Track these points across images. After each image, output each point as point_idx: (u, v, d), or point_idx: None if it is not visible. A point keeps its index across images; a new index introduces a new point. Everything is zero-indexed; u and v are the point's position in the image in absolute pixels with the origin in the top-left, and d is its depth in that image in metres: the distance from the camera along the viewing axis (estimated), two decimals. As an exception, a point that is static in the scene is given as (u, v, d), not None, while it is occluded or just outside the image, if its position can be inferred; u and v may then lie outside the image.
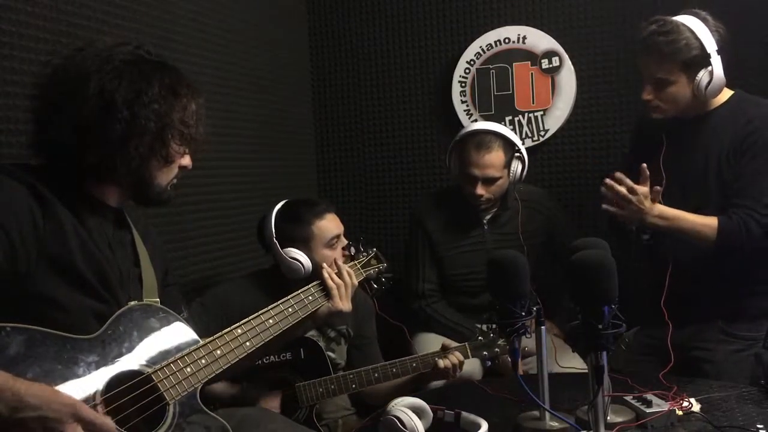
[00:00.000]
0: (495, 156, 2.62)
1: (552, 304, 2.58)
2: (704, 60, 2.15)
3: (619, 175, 2.16)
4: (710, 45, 2.15)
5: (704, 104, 2.25)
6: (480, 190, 2.63)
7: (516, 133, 3.22)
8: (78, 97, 1.42)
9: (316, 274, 2.06)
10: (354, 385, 2.19)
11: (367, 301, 2.42)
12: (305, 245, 2.21)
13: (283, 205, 2.29)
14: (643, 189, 2.14)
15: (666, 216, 2.16)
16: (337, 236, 2.24)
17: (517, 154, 2.68)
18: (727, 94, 2.26)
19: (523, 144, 3.20)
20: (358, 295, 2.31)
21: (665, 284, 2.17)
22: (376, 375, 2.19)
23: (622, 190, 2.14)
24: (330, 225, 2.24)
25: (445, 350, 2.21)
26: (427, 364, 2.21)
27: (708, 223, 2.14)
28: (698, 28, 2.15)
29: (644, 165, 2.15)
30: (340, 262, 2.04)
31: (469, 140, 2.66)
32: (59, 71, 1.47)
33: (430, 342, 2.70)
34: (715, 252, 2.17)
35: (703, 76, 2.16)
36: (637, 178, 2.18)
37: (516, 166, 2.67)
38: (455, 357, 2.19)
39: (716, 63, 2.15)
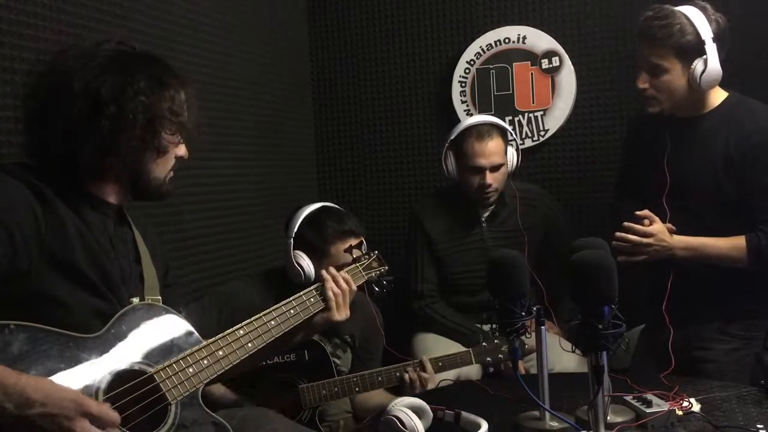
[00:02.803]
0: (496, 143, 2.68)
1: (551, 301, 2.60)
2: (699, 47, 2.12)
3: (627, 224, 2.16)
4: (706, 32, 2.11)
5: (701, 100, 2.23)
6: (489, 179, 2.67)
7: (516, 133, 3.24)
8: (65, 97, 1.42)
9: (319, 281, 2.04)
10: (357, 388, 2.19)
11: (378, 317, 2.39)
12: (317, 258, 2.20)
13: (316, 210, 2.25)
14: (658, 227, 2.14)
15: (692, 246, 2.16)
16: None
17: (509, 142, 2.74)
18: (721, 96, 2.24)
19: (523, 144, 3.25)
20: (366, 306, 2.27)
21: (667, 289, 2.16)
22: (380, 378, 2.20)
23: (636, 238, 2.14)
24: (348, 251, 2.20)
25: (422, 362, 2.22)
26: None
27: (735, 245, 2.14)
28: (694, 15, 2.13)
29: (644, 211, 2.15)
30: (333, 270, 1.93)
31: (468, 134, 2.70)
32: (46, 73, 1.48)
33: (430, 342, 2.70)
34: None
35: (697, 64, 2.12)
36: (638, 183, 2.18)
37: (511, 153, 2.74)
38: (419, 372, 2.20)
39: (711, 51, 2.11)
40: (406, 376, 2.20)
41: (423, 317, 2.79)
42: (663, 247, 2.14)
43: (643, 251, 2.16)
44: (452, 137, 2.74)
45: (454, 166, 2.76)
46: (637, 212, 2.16)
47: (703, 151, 2.21)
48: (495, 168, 2.67)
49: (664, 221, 2.18)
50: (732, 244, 2.15)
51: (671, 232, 2.16)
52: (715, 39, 2.12)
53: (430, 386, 2.23)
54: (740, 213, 2.18)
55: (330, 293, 1.86)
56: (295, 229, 2.21)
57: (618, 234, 2.17)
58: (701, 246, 2.16)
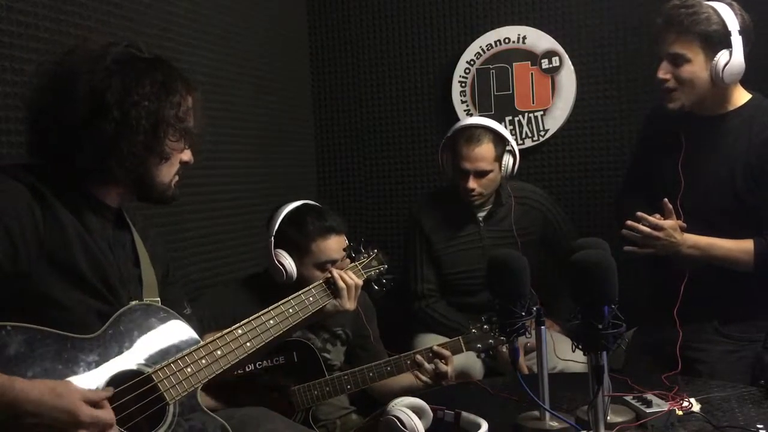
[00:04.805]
0: (485, 149, 2.63)
1: (549, 300, 2.59)
2: (725, 38, 2.08)
3: (640, 214, 2.14)
4: (732, 24, 2.08)
5: (723, 97, 2.18)
6: (472, 183, 2.64)
7: (516, 133, 3.24)
8: (69, 99, 1.42)
9: (302, 283, 2.04)
10: (349, 386, 2.18)
11: (366, 300, 2.42)
12: (298, 256, 2.19)
13: (296, 207, 2.25)
14: (670, 222, 2.12)
15: (699, 246, 2.14)
16: (333, 261, 2.19)
17: (508, 148, 2.70)
18: (745, 97, 2.20)
19: (523, 144, 3.24)
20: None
21: (680, 293, 2.14)
22: (371, 374, 2.19)
23: (647, 229, 2.12)
24: (330, 247, 2.20)
25: (433, 351, 2.21)
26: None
27: (743, 248, 2.12)
28: (722, 8, 2.10)
29: (666, 200, 2.13)
30: (340, 271, 1.99)
31: (460, 135, 2.68)
32: (51, 74, 1.47)
33: (430, 342, 2.70)
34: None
35: (721, 56, 2.08)
36: (648, 179, 2.15)
37: (507, 161, 2.69)
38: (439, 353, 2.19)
39: (737, 43, 2.07)
40: (426, 365, 2.17)
41: (424, 317, 2.79)
42: (671, 242, 2.12)
43: (651, 244, 2.14)
44: (448, 135, 2.74)
45: (449, 164, 2.75)
46: (665, 201, 2.12)
47: (723, 154, 2.18)
48: (480, 174, 2.64)
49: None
50: (740, 246, 2.13)
51: (682, 229, 2.14)
52: (741, 32, 2.09)
53: (450, 369, 2.20)
54: (753, 218, 2.15)
55: (341, 283, 1.92)
56: (276, 228, 2.20)
57: (629, 223, 2.15)
58: (709, 246, 2.15)
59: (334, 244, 2.21)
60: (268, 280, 2.26)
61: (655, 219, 2.13)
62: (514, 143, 2.72)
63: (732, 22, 2.08)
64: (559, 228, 2.86)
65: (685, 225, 2.15)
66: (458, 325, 2.70)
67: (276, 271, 2.18)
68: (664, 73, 2.16)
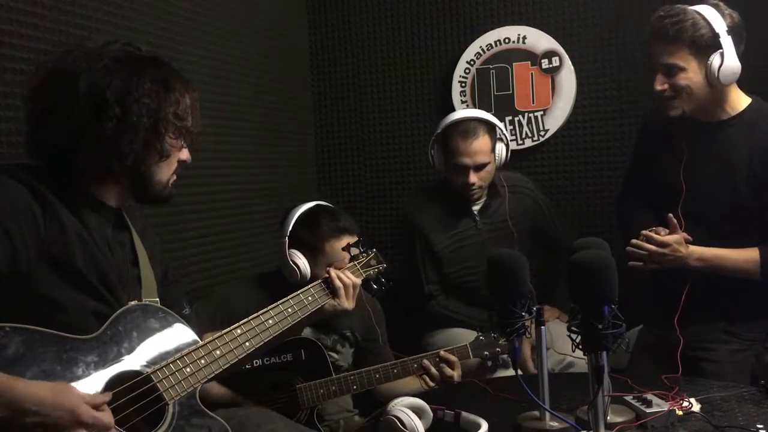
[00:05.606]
0: (482, 142, 2.61)
1: (549, 288, 2.59)
2: (714, 41, 2.06)
3: (646, 233, 2.14)
4: (719, 26, 2.06)
5: (723, 101, 2.17)
6: (473, 178, 2.62)
7: (516, 133, 3.25)
8: (69, 97, 1.42)
9: (314, 280, 2.05)
10: (355, 386, 2.18)
11: (376, 305, 2.42)
12: (312, 256, 2.21)
13: (309, 208, 2.26)
14: (675, 237, 2.11)
15: (705, 258, 2.14)
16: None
17: (499, 137, 2.67)
18: (745, 101, 2.18)
19: (523, 144, 3.24)
20: (359, 300, 2.29)
21: (683, 295, 2.14)
22: (377, 376, 2.19)
23: (653, 247, 2.12)
24: (346, 249, 2.20)
25: (440, 356, 2.21)
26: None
27: (749, 257, 2.11)
28: (707, 11, 2.08)
29: (671, 215, 2.12)
30: (334, 270, 2.01)
31: (453, 130, 2.63)
32: (50, 73, 1.48)
33: (450, 335, 2.69)
34: None
35: (714, 59, 2.06)
36: (647, 181, 2.13)
37: (500, 149, 2.67)
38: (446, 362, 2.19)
39: (727, 44, 2.05)
40: (432, 370, 2.18)
41: (437, 315, 2.77)
42: (677, 257, 2.12)
43: (657, 261, 2.14)
44: (439, 131, 2.69)
45: (442, 160, 2.72)
46: (671, 216, 2.12)
47: (724, 161, 2.16)
48: (479, 167, 2.62)
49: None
50: (746, 256, 2.12)
51: (687, 241, 2.13)
52: (730, 32, 2.07)
53: (457, 374, 2.20)
54: (756, 225, 2.14)
55: (338, 282, 1.94)
56: (290, 228, 2.21)
57: (634, 241, 2.15)
58: (714, 257, 2.14)
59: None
60: (280, 279, 2.26)
61: (660, 237, 2.12)
62: (504, 130, 2.71)
63: (719, 23, 2.07)
64: (548, 215, 2.86)
65: (690, 238, 2.13)
66: (472, 319, 2.68)
67: (290, 271, 2.19)
68: (660, 84, 2.15)
